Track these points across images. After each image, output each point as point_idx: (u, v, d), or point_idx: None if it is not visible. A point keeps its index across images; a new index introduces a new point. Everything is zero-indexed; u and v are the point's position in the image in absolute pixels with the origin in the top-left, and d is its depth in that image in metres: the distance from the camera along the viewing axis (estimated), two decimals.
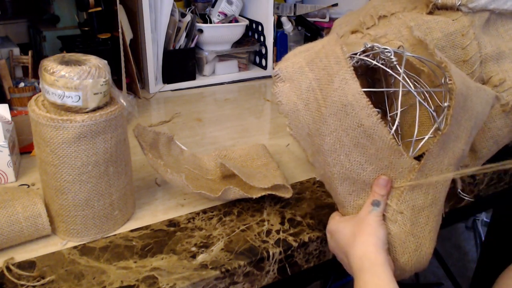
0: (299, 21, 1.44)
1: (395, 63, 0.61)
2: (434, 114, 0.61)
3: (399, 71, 0.59)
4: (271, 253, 0.61)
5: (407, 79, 0.60)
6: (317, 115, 0.58)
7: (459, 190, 0.76)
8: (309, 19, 1.45)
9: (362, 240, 0.55)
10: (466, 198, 0.77)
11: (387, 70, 0.61)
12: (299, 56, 0.63)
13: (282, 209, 0.70)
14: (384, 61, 0.63)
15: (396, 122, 0.61)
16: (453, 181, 0.69)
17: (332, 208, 0.69)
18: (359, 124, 0.55)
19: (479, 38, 0.72)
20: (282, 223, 0.67)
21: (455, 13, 0.73)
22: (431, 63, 0.63)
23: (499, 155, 0.78)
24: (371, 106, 0.55)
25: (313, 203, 0.72)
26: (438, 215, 0.60)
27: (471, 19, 0.72)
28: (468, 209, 0.83)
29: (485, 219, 1.97)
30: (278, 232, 0.65)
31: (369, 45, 0.63)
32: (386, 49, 0.62)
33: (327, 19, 1.45)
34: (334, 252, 0.61)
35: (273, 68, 0.62)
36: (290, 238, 0.64)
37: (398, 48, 0.65)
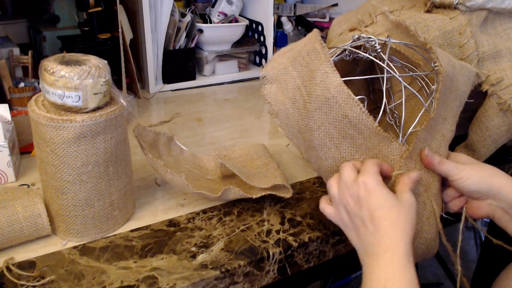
0: (299, 21, 1.44)
1: (379, 51, 0.62)
2: (421, 98, 0.61)
3: (390, 61, 0.60)
4: (271, 253, 0.61)
5: (391, 65, 0.61)
6: (304, 111, 0.59)
7: None
8: (309, 19, 1.45)
9: (403, 228, 0.51)
10: None
11: (374, 59, 0.62)
12: (283, 56, 0.64)
13: (282, 209, 0.70)
14: (377, 53, 0.63)
15: (383, 105, 0.60)
16: None
17: None
18: (344, 115, 0.56)
19: (477, 36, 0.73)
20: (282, 223, 0.67)
21: (452, 11, 0.74)
22: (421, 49, 0.64)
23: (499, 155, 0.79)
24: (353, 96, 0.55)
25: (313, 203, 0.72)
26: (435, 199, 0.60)
27: (469, 17, 0.73)
28: None
29: (485, 219, 1.96)
30: (278, 232, 0.65)
31: (356, 36, 0.64)
32: (370, 38, 0.63)
33: (327, 19, 1.45)
34: (348, 203, 0.55)
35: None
36: (290, 238, 0.64)
37: (387, 37, 0.65)
